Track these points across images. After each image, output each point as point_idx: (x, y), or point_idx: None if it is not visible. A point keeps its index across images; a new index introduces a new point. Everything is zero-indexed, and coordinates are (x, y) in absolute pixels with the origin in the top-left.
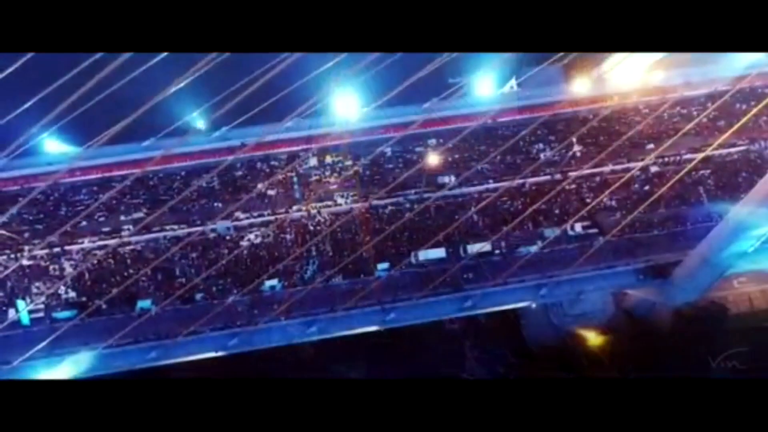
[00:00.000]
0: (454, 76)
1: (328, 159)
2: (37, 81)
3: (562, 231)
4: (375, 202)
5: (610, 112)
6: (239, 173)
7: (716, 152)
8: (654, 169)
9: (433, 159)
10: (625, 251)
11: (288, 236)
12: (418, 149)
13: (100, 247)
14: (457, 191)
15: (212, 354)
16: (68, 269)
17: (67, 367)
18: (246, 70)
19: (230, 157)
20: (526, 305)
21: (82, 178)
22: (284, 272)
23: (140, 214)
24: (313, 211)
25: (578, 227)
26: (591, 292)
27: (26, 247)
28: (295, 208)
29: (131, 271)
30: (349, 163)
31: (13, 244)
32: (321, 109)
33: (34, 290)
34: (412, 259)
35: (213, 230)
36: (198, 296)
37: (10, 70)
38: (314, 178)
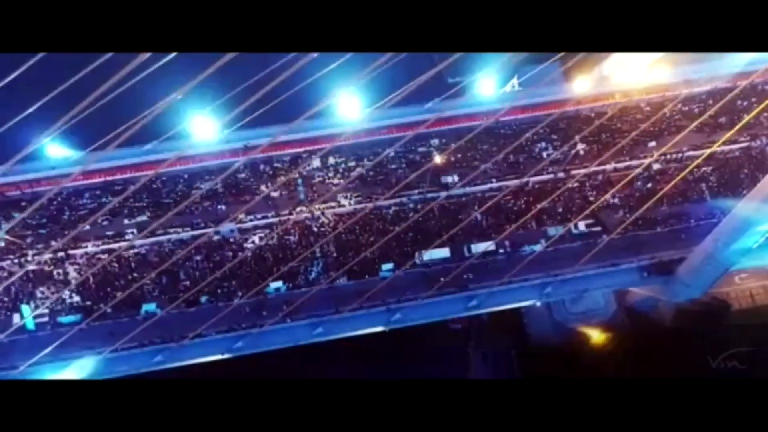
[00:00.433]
0: (454, 75)
1: (332, 160)
2: (38, 84)
3: (566, 230)
4: (379, 203)
5: (612, 110)
6: (242, 175)
7: (717, 149)
8: (656, 166)
9: (436, 159)
10: (629, 249)
11: (292, 238)
12: (420, 149)
13: (104, 251)
14: (460, 191)
15: (218, 356)
16: (72, 273)
17: (72, 372)
18: (246, 72)
19: (241, 159)
20: (530, 304)
21: (85, 182)
22: (289, 274)
23: (144, 218)
24: (317, 213)
25: (582, 225)
26: (596, 289)
27: (30, 252)
28: (299, 209)
29: (136, 274)
30: (352, 164)
31: (17, 248)
32: (323, 111)
33: (39, 295)
34: (417, 260)
35: (217, 233)
36: (203, 299)
37: (13, 76)
38: (318, 179)
